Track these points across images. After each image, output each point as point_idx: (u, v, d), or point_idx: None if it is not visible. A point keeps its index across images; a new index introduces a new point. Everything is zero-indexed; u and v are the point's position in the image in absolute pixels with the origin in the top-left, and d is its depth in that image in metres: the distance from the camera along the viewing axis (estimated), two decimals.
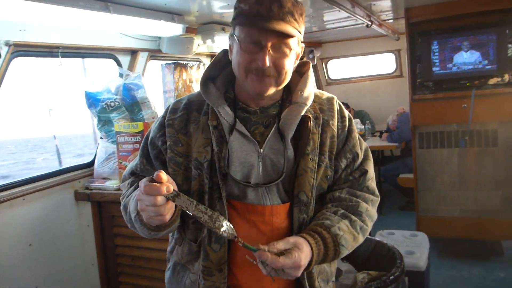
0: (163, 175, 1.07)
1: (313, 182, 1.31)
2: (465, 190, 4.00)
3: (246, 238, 1.19)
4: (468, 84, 3.83)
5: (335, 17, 4.12)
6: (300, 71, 1.40)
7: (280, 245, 1.16)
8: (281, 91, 1.37)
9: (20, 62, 2.68)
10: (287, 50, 1.24)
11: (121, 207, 1.39)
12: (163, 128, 1.37)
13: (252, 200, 1.29)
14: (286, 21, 1.20)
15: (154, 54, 3.58)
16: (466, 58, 3.83)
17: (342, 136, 1.40)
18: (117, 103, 2.99)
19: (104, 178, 2.94)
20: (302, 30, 1.28)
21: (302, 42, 1.32)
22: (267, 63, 1.21)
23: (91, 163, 3.10)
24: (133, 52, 3.38)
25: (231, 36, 1.30)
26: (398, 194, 5.69)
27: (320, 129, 1.35)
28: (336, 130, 1.38)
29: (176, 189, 1.11)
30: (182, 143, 1.32)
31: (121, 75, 3.25)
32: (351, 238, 1.30)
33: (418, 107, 4.02)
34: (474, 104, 3.73)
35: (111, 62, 3.32)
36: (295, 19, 1.23)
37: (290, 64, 1.27)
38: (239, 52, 1.25)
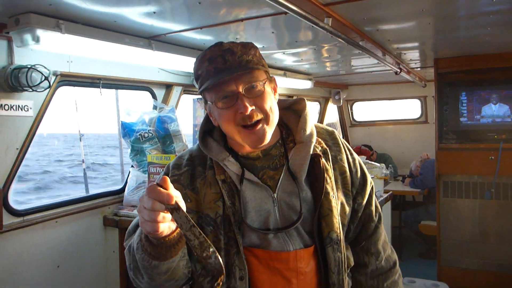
0: (168, 182, 1.01)
1: (340, 220, 1.32)
2: (488, 242, 3.94)
3: (270, 286, 1.25)
4: (496, 136, 3.84)
5: (364, 63, 4.22)
6: (296, 109, 1.41)
7: None
8: (278, 131, 1.36)
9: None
10: (260, 88, 1.25)
11: (125, 251, 1.29)
12: None
13: (274, 248, 1.27)
14: (243, 62, 1.23)
15: (187, 88, 3.71)
16: (495, 110, 3.86)
17: (355, 170, 1.41)
18: (150, 134, 3.11)
19: (133, 206, 3.01)
20: (264, 63, 1.29)
21: (270, 77, 1.32)
22: (248, 106, 1.21)
23: (121, 190, 3.19)
24: (168, 86, 3.52)
25: (206, 105, 1.32)
26: (419, 240, 5.61)
27: (331, 164, 1.35)
28: (346, 166, 1.39)
29: (182, 204, 1.04)
30: (191, 198, 1.29)
31: (155, 107, 3.37)
32: None
33: (444, 155, 4.04)
34: (502, 157, 3.73)
35: (145, 94, 3.46)
36: (252, 56, 1.25)
37: (271, 100, 1.27)
38: (220, 113, 1.25)
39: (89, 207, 2.91)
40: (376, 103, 6.78)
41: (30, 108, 2.44)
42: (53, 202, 2.76)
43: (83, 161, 4.48)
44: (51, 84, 2.40)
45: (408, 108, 6.60)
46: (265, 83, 1.26)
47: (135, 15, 2.22)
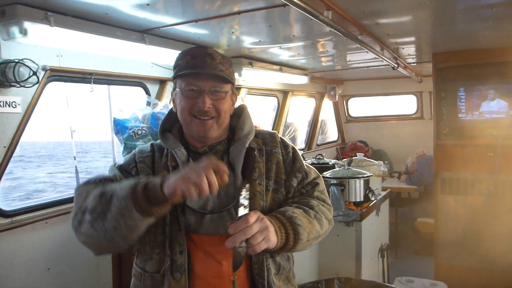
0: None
1: (263, 204, 1.50)
2: (487, 240, 3.90)
3: (205, 268, 1.43)
4: (494, 133, 3.80)
5: (360, 58, 4.17)
6: (238, 114, 1.64)
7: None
8: (226, 132, 1.60)
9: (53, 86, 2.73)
10: (222, 94, 1.49)
11: (93, 196, 1.34)
12: (134, 162, 1.56)
13: (207, 231, 1.46)
14: (218, 70, 1.47)
15: None
16: (493, 106, 3.81)
17: (288, 160, 1.62)
18: (144, 131, 3.01)
19: None
20: (233, 79, 1.55)
21: (234, 91, 1.58)
22: (207, 104, 1.44)
23: None
24: (162, 82, 3.43)
25: (173, 91, 1.55)
26: (414, 237, 5.58)
27: (264, 158, 1.57)
28: (281, 157, 1.61)
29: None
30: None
31: (148, 104, 3.28)
32: (306, 220, 1.47)
33: (442, 152, 4.00)
34: (500, 154, 3.69)
35: (139, 90, 3.37)
36: (226, 69, 1.49)
37: (227, 107, 1.52)
38: (182, 100, 1.49)
39: None
40: (372, 99, 6.73)
41: (18, 105, 2.34)
42: (42, 202, 2.66)
43: (74, 158, 4.35)
44: (39, 79, 2.31)
45: (404, 104, 6.57)
46: (227, 93, 1.51)
47: (127, 7, 2.14)
